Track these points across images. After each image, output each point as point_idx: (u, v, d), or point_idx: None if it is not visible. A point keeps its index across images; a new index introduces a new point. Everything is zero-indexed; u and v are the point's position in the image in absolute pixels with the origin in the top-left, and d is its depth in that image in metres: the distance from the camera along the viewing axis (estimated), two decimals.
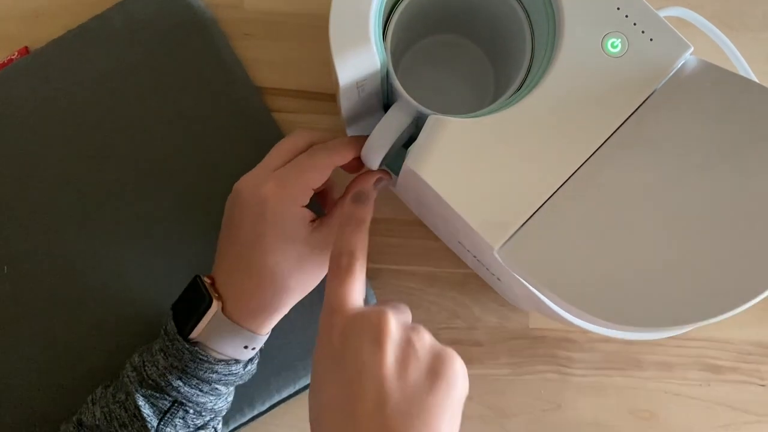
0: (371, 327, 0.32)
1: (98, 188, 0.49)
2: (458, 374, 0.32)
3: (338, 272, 0.36)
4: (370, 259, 0.50)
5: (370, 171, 0.42)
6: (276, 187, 0.39)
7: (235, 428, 0.48)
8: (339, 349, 0.33)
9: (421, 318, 0.50)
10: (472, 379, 0.50)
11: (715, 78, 0.36)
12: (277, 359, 0.47)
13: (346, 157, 0.41)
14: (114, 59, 0.49)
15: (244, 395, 0.46)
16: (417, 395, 0.31)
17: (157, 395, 0.40)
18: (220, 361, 0.40)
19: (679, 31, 0.36)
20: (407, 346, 0.32)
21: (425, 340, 0.33)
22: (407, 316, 0.36)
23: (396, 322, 0.33)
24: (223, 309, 0.40)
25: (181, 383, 0.40)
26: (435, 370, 0.32)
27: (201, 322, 0.39)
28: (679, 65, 0.36)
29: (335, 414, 0.32)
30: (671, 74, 0.36)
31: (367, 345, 0.32)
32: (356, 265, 0.36)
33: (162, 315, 0.43)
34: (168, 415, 0.40)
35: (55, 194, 0.48)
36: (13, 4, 0.51)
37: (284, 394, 0.48)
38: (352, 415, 0.31)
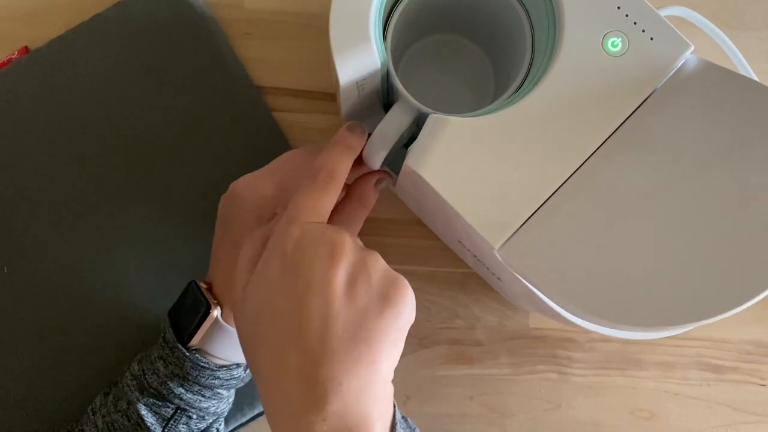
0: (327, 242, 0.32)
1: (98, 188, 0.48)
2: (407, 302, 0.32)
3: (312, 186, 0.35)
4: None
5: (371, 171, 0.42)
6: (276, 189, 0.39)
7: (236, 428, 0.48)
8: (291, 260, 0.32)
9: (421, 317, 0.50)
10: (473, 378, 0.51)
11: (715, 77, 0.35)
12: None
13: None
14: (114, 59, 0.49)
15: (245, 395, 0.46)
16: (364, 318, 0.30)
17: (160, 403, 0.40)
18: (222, 366, 0.40)
19: (679, 30, 0.36)
20: (361, 266, 0.32)
21: (379, 264, 0.32)
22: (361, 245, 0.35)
23: (353, 242, 0.32)
24: (222, 314, 0.39)
25: (183, 390, 0.39)
26: (385, 296, 0.31)
27: (200, 329, 0.39)
28: (680, 64, 0.36)
29: (280, 326, 0.31)
30: (671, 73, 0.36)
31: (320, 260, 0.31)
32: (332, 185, 0.35)
33: (162, 316, 0.43)
34: (171, 422, 0.40)
35: (55, 194, 0.48)
36: (13, 4, 0.51)
37: None
38: (297, 330, 0.30)
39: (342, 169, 0.36)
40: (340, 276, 0.31)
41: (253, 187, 0.40)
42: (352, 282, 0.31)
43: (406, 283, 0.33)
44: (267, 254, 0.33)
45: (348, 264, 0.31)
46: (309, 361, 0.30)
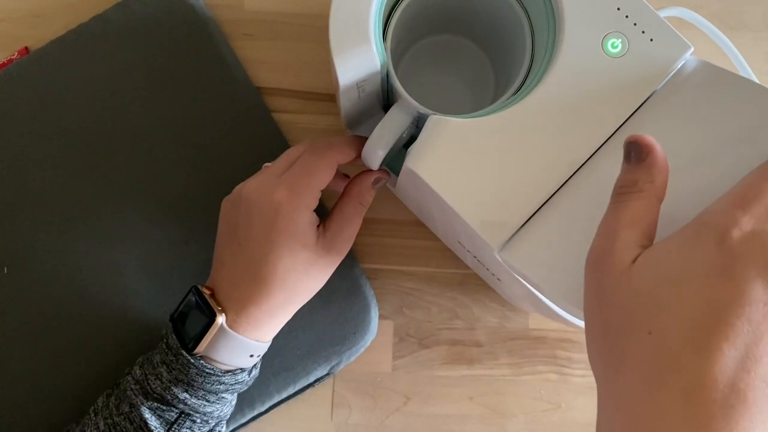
0: None
1: (98, 188, 0.49)
2: None
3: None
4: (370, 260, 0.50)
5: (368, 171, 0.42)
6: (289, 193, 0.39)
7: (235, 428, 0.48)
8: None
9: (421, 318, 0.50)
10: (473, 379, 0.51)
11: (715, 78, 0.35)
12: (276, 360, 0.47)
13: (349, 155, 0.41)
14: (114, 59, 0.49)
15: (245, 396, 0.46)
16: None
17: (164, 408, 0.39)
18: (227, 372, 0.40)
19: (679, 31, 0.36)
20: None
21: None
22: None
23: None
24: (227, 320, 0.39)
25: (187, 396, 0.39)
26: None
27: (205, 337, 0.38)
28: (680, 66, 0.36)
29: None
30: (671, 75, 0.36)
31: None
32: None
33: (162, 317, 0.43)
34: (175, 426, 0.39)
35: (55, 194, 0.48)
36: (13, 4, 0.51)
37: (284, 395, 0.48)
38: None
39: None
40: None
41: (265, 192, 0.39)
42: None
43: None
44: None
45: None
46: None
